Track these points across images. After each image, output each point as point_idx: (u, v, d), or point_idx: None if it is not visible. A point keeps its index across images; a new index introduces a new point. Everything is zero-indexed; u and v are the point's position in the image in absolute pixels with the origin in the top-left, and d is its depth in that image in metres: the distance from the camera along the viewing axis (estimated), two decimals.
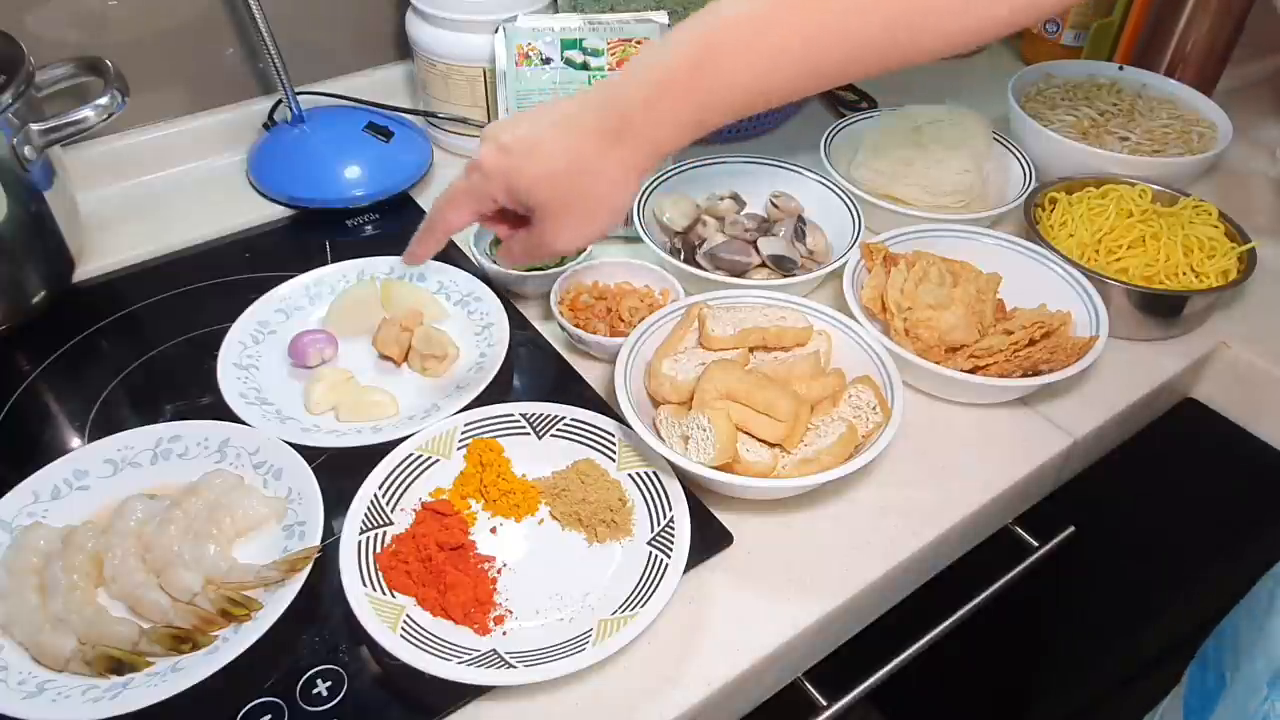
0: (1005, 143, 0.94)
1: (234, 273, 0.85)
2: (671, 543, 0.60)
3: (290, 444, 0.66)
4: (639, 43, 0.84)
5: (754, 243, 0.81)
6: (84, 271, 0.85)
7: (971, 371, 0.71)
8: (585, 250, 0.82)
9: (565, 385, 0.74)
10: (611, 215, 0.61)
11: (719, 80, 0.56)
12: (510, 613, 0.59)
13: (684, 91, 0.56)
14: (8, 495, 0.62)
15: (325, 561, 0.60)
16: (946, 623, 0.73)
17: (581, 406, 0.69)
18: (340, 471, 0.65)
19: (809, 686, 0.66)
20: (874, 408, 0.66)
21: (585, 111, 0.58)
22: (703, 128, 0.58)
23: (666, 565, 0.59)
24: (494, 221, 0.65)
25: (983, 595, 0.74)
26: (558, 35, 0.84)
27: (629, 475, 0.66)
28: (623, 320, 0.76)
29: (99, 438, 0.66)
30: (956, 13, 0.55)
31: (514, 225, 0.65)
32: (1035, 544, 0.77)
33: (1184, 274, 0.80)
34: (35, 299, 0.79)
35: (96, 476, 0.65)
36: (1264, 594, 0.58)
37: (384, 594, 0.58)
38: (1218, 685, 0.58)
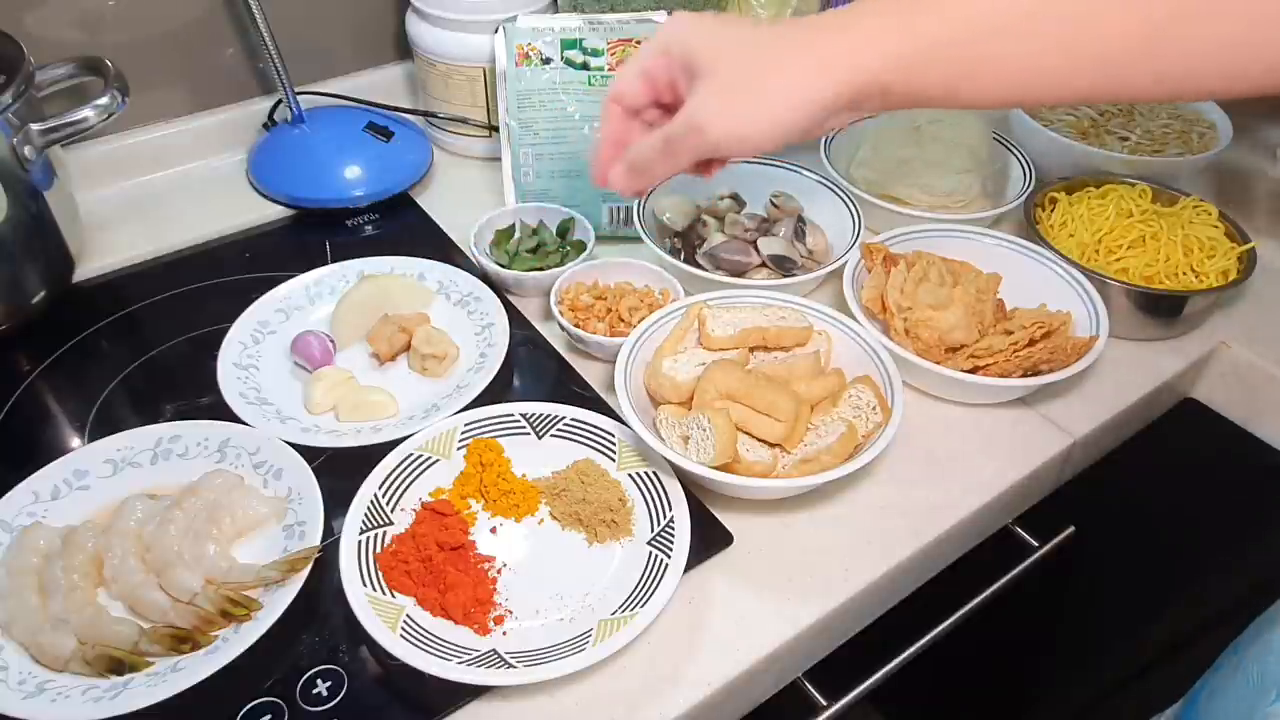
0: (1005, 143, 0.94)
1: (234, 273, 0.85)
2: (671, 543, 0.60)
3: (290, 444, 0.66)
4: (639, 43, 0.84)
5: (754, 243, 0.81)
6: (84, 271, 0.85)
7: (971, 371, 0.71)
8: (586, 250, 0.82)
9: (565, 385, 0.74)
10: (780, 109, 0.48)
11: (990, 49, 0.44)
12: (510, 613, 0.59)
13: (919, 40, 0.45)
14: (8, 495, 0.62)
15: (325, 561, 0.60)
16: (946, 623, 0.73)
17: (581, 406, 0.69)
18: (340, 471, 0.65)
19: (809, 686, 0.66)
20: (874, 408, 0.66)
21: (798, 20, 0.50)
22: (932, 102, 0.47)
23: (666, 565, 0.59)
24: (664, 117, 0.54)
25: (983, 595, 0.74)
26: (558, 35, 0.84)
27: (629, 475, 0.66)
28: (623, 320, 0.76)
29: (99, 438, 0.66)
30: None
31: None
32: (1035, 544, 0.77)
33: (1184, 274, 0.80)
34: (35, 299, 0.79)
35: (96, 476, 0.65)
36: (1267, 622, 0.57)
37: (384, 594, 0.58)
38: (1217, 669, 0.58)
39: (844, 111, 0.48)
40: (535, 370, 0.76)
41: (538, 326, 0.80)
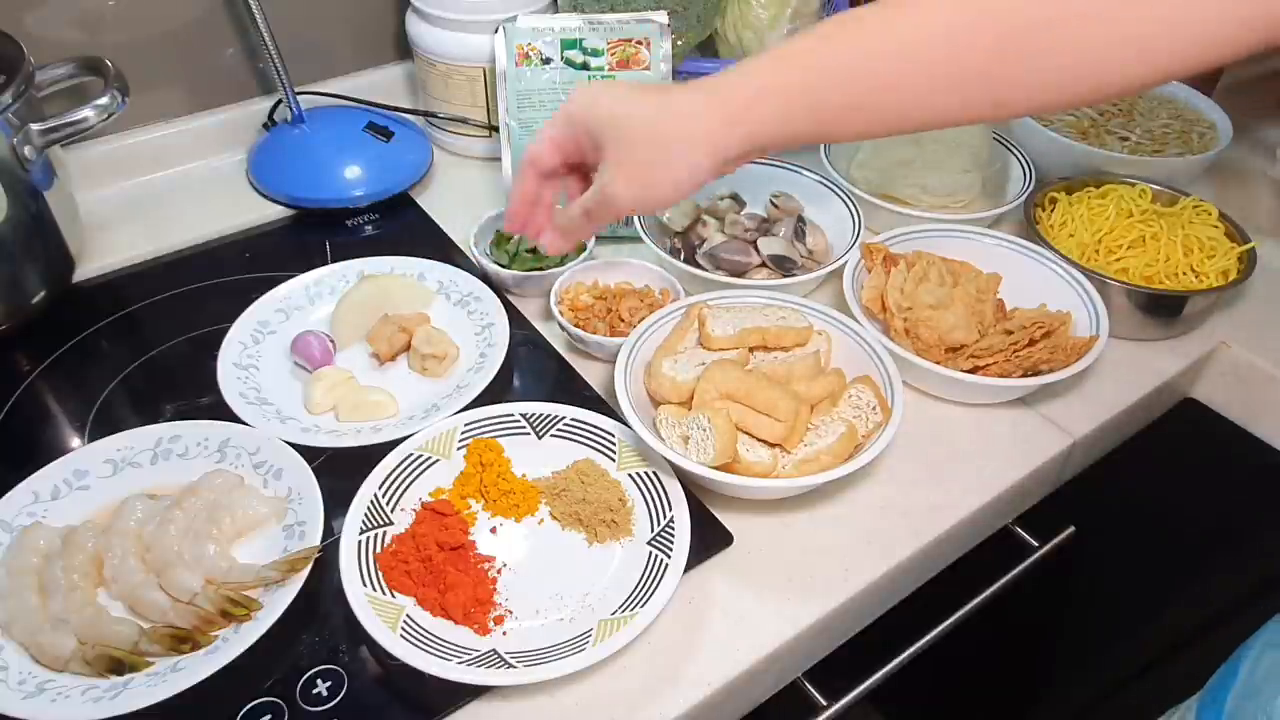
0: (1005, 143, 0.94)
1: (234, 273, 0.85)
2: (671, 543, 0.60)
3: (290, 444, 0.66)
4: (639, 42, 0.84)
5: (754, 243, 0.81)
6: (84, 271, 0.85)
7: (971, 371, 0.71)
8: (586, 250, 0.82)
9: (565, 385, 0.74)
10: (681, 173, 0.55)
11: (846, 97, 0.53)
12: (510, 613, 0.59)
13: (785, 96, 0.53)
14: (8, 495, 0.62)
15: (325, 561, 0.60)
16: (946, 623, 0.73)
17: (581, 406, 0.69)
18: (340, 471, 0.65)
19: (809, 687, 0.66)
20: (874, 408, 0.66)
21: (684, 88, 0.56)
22: (802, 141, 0.55)
23: (666, 565, 0.59)
24: (572, 176, 0.62)
25: (983, 595, 0.74)
26: (558, 35, 0.84)
27: (629, 475, 0.66)
28: (623, 320, 0.76)
29: (99, 438, 0.66)
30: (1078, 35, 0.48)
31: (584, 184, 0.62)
32: (1035, 544, 0.77)
33: (1184, 274, 0.80)
34: (35, 299, 0.79)
35: (96, 476, 0.65)
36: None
37: (384, 594, 0.58)
38: (1231, 677, 0.58)
39: (731, 166, 0.56)
40: (535, 370, 0.76)
41: (538, 326, 0.80)
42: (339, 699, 0.55)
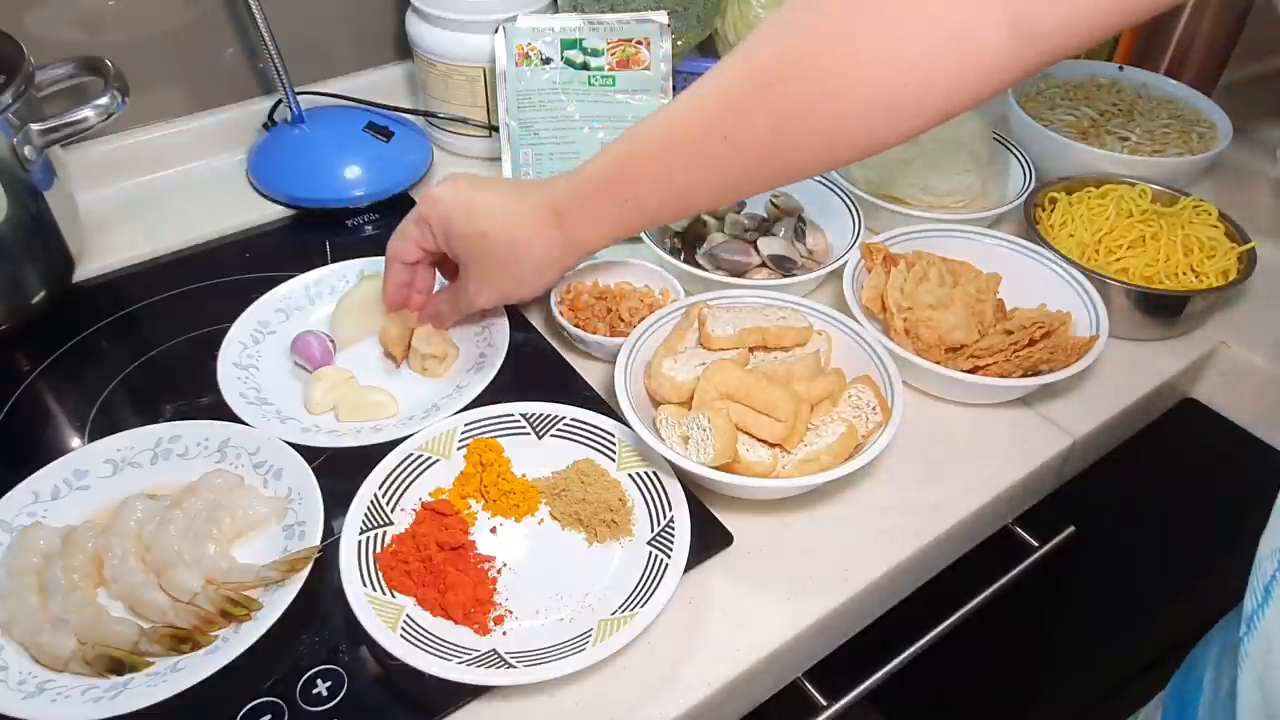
0: (1005, 143, 0.94)
1: (234, 273, 0.85)
2: (671, 543, 0.60)
3: (290, 444, 0.66)
4: (639, 42, 0.84)
5: (754, 243, 0.81)
6: (84, 271, 0.85)
7: (971, 371, 0.71)
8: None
9: (565, 385, 0.74)
10: (529, 289, 0.68)
11: (636, 190, 0.61)
12: (510, 613, 0.59)
13: (606, 197, 0.62)
14: (8, 495, 0.62)
15: (325, 561, 0.60)
16: (946, 623, 0.73)
17: (581, 406, 0.69)
18: (340, 471, 0.65)
19: (809, 687, 0.66)
20: (874, 408, 0.66)
21: (526, 196, 0.65)
22: (627, 231, 0.63)
23: (666, 565, 0.59)
24: (445, 267, 0.74)
25: (983, 595, 0.74)
26: (558, 35, 0.84)
27: (629, 475, 0.66)
28: (623, 320, 0.76)
29: (99, 438, 0.66)
30: (837, 116, 0.53)
31: (454, 276, 0.73)
32: (1035, 544, 0.77)
33: (1184, 274, 0.80)
34: (35, 299, 0.79)
35: (96, 476, 0.65)
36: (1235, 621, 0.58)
37: (384, 594, 0.58)
38: (1196, 690, 0.58)
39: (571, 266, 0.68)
40: (535, 370, 0.76)
41: (538, 326, 0.80)
42: (339, 699, 0.55)
